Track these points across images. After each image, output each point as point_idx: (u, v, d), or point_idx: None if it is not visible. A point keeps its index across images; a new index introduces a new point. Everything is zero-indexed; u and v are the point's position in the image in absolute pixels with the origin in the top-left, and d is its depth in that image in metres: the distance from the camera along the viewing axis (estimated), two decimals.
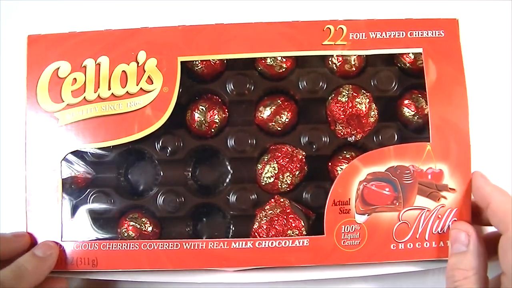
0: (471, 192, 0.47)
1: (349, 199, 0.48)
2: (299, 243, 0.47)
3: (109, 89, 0.49)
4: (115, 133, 0.49)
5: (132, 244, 0.49)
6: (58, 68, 0.50)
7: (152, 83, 0.49)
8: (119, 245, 0.49)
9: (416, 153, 0.48)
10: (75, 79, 0.50)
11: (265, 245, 0.47)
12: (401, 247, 0.47)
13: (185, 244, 0.48)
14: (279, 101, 0.51)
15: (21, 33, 0.51)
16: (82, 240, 0.50)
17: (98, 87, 0.49)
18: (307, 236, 0.48)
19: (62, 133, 0.50)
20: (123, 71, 0.49)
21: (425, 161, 0.48)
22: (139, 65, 0.49)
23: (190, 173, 0.54)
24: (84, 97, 0.49)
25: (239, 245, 0.48)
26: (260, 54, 0.50)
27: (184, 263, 0.48)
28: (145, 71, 0.49)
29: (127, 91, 0.49)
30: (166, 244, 0.48)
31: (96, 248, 0.49)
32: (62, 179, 0.50)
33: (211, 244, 0.48)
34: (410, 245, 0.47)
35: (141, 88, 0.49)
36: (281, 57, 0.51)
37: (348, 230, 0.47)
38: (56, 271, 0.49)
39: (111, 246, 0.49)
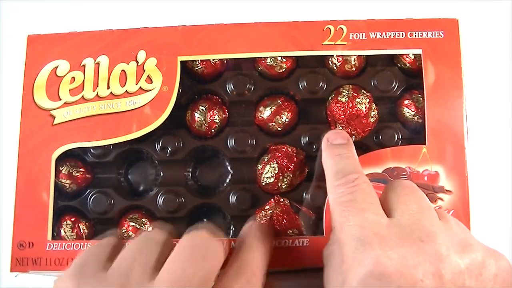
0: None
1: None
2: (299, 243, 0.47)
3: (108, 88, 0.49)
4: (112, 131, 0.49)
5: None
6: (57, 67, 0.50)
7: (152, 82, 0.49)
8: None
9: (412, 155, 0.48)
10: (73, 77, 0.50)
11: None
12: None
13: None
14: (279, 101, 0.51)
15: (21, 33, 0.51)
16: (74, 239, 0.50)
17: (97, 86, 0.49)
18: (307, 237, 0.48)
19: (57, 131, 0.49)
20: (123, 70, 0.49)
21: (421, 163, 0.48)
22: (139, 64, 0.49)
23: (190, 174, 0.54)
24: (82, 96, 0.49)
25: None
26: (260, 54, 0.50)
27: None
28: (144, 71, 0.49)
29: (126, 90, 0.49)
30: None
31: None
32: (59, 179, 0.50)
33: None
34: None
35: (140, 87, 0.49)
36: (281, 57, 0.51)
37: None
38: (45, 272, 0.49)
39: None
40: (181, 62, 0.50)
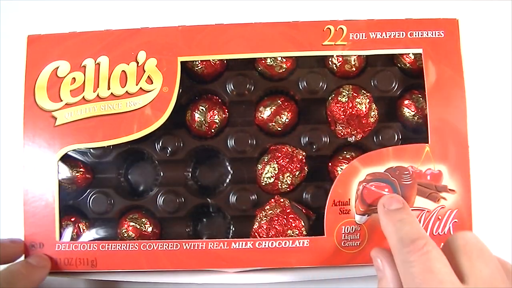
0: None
1: (349, 199, 0.48)
2: (299, 243, 0.47)
3: (109, 88, 0.49)
4: (113, 132, 0.49)
5: (132, 245, 0.48)
6: (57, 67, 0.50)
7: (152, 83, 0.49)
8: (119, 245, 0.49)
9: (415, 154, 0.48)
10: (74, 78, 0.50)
11: (265, 245, 0.47)
12: None
13: (185, 245, 0.48)
14: (279, 101, 0.51)
15: (21, 33, 0.51)
16: (81, 240, 0.50)
17: (98, 87, 0.49)
18: (308, 237, 0.48)
19: (59, 132, 0.49)
20: (123, 71, 0.49)
21: (424, 162, 0.48)
22: (139, 65, 0.49)
23: (190, 174, 0.54)
24: (83, 97, 0.49)
25: (239, 246, 0.47)
26: (260, 54, 0.50)
27: (183, 263, 0.48)
28: (144, 71, 0.49)
29: (126, 91, 0.49)
30: (166, 245, 0.48)
31: (95, 248, 0.49)
32: (61, 179, 0.50)
33: (210, 244, 0.48)
34: None
35: (140, 88, 0.49)
36: (281, 57, 0.50)
37: (348, 231, 0.47)
38: (54, 272, 0.49)
39: (111, 246, 0.49)
40: (181, 62, 0.50)
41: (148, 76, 0.49)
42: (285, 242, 0.47)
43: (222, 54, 0.50)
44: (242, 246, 0.47)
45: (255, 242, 0.47)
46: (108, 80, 0.49)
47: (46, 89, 0.50)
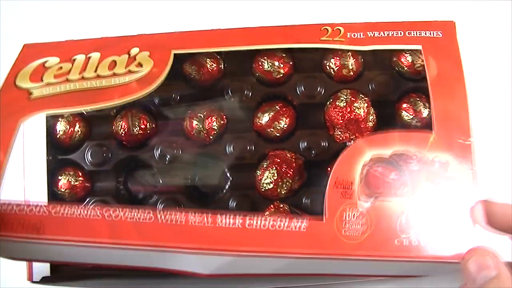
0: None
1: (352, 182, 0.44)
2: (295, 227, 0.43)
3: (95, 71, 0.48)
4: (92, 101, 0.47)
5: (93, 212, 0.42)
6: (46, 61, 0.49)
7: (142, 67, 0.48)
8: (75, 210, 0.42)
9: (421, 141, 0.45)
10: (61, 67, 0.49)
11: (256, 225, 0.42)
12: (406, 243, 0.43)
13: (160, 216, 0.42)
14: (277, 107, 0.51)
15: (19, 36, 0.51)
16: (25, 199, 0.46)
17: (84, 71, 0.48)
18: (305, 220, 0.43)
19: (33, 103, 0.47)
20: (113, 60, 0.49)
21: (429, 150, 0.45)
22: (130, 56, 0.49)
23: (189, 180, 0.53)
24: (67, 78, 0.48)
25: (225, 223, 0.42)
26: (256, 46, 0.50)
27: (156, 237, 0.41)
28: (135, 60, 0.48)
29: (113, 73, 0.48)
30: (137, 215, 0.42)
31: (44, 212, 0.42)
32: (59, 189, 0.50)
33: (191, 218, 0.42)
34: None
35: (129, 70, 0.48)
36: (279, 62, 0.51)
37: (350, 218, 0.43)
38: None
39: (65, 211, 0.42)
40: (180, 68, 0.49)
41: (139, 62, 0.48)
42: (279, 224, 0.43)
43: (218, 47, 0.50)
44: (229, 225, 0.42)
45: (244, 221, 0.42)
46: (96, 66, 0.48)
47: (29, 75, 0.48)
